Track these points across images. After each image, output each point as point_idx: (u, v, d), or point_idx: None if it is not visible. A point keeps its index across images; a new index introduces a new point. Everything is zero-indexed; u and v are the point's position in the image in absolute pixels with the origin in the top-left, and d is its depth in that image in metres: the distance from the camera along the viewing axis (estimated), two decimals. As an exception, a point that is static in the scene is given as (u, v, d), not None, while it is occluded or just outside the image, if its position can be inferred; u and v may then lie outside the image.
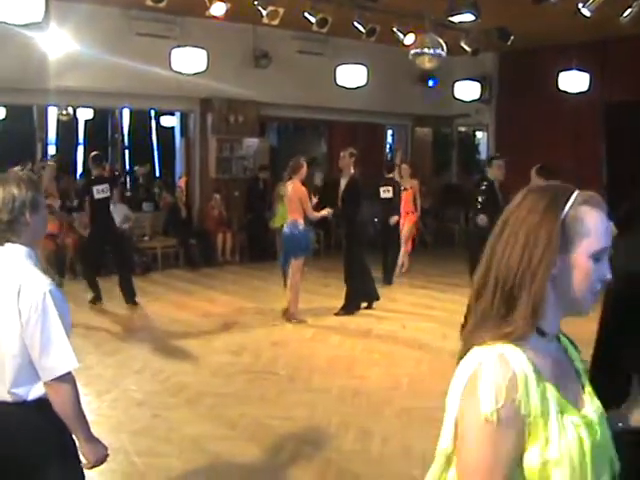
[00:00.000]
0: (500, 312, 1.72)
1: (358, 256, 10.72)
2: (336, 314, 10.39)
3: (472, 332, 1.78)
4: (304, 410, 6.56)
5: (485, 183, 9.71)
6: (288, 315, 9.97)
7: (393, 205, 12.81)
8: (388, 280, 12.84)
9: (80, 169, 20.80)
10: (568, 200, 1.72)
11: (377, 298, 10.88)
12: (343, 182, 10.66)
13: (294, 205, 9.88)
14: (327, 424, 6.24)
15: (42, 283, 2.85)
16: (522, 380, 1.61)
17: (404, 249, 13.63)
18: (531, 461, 1.64)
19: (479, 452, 1.62)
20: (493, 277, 1.75)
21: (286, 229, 9.96)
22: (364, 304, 10.82)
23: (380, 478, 5.13)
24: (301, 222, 9.87)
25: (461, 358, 1.78)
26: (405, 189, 13.36)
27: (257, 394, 7.04)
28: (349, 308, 10.56)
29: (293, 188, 9.89)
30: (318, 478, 5.15)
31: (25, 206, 2.89)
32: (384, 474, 5.20)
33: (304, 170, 10.03)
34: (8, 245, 2.92)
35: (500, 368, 1.62)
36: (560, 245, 1.69)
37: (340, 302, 10.88)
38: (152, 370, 7.78)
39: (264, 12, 11.61)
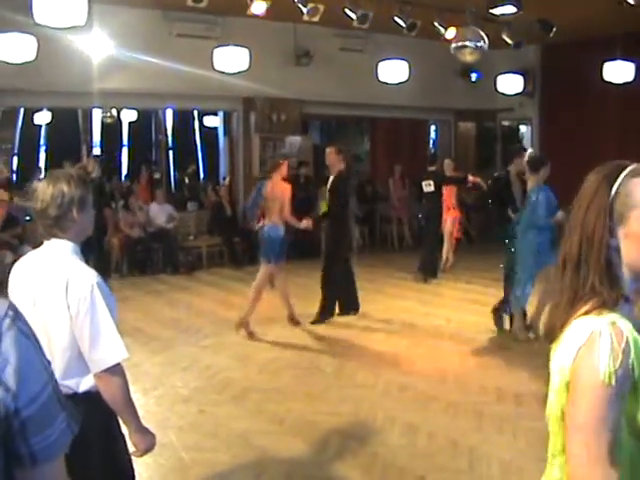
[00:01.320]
0: (584, 284, 1.82)
1: (340, 260, 10.09)
2: (312, 322, 9.80)
3: (564, 306, 1.86)
4: (350, 405, 6.57)
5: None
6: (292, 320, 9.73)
7: (437, 198, 12.79)
8: (424, 274, 12.79)
9: (125, 171, 21.01)
10: (620, 175, 1.84)
11: (356, 309, 10.17)
12: (330, 179, 10.15)
13: (276, 205, 9.23)
14: (373, 419, 6.24)
15: (89, 276, 2.90)
16: (634, 345, 1.71)
17: (448, 244, 13.59)
18: None
19: (592, 412, 1.71)
20: (570, 251, 1.86)
21: (266, 230, 9.35)
22: (337, 311, 10.13)
23: (426, 472, 5.11)
24: (281, 226, 9.31)
25: (551, 333, 1.93)
26: (447, 183, 13.28)
27: (303, 390, 7.06)
28: (323, 315, 9.94)
29: (277, 187, 9.28)
30: (364, 473, 5.15)
31: (73, 203, 2.94)
32: (430, 468, 5.19)
33: (284, 167, 9.43)
34: (54, 240, 2.98)
35: (615, 335, 1.70)
36: (616, 217, 1.80)
37: (384, 297, 10.87)
38: (199, 367, 7.84)
39: (304, 10, 11.61)
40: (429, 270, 12.83)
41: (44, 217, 2.94)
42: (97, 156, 12.02)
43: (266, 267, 9.44)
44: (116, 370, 2.92)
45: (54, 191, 2.92)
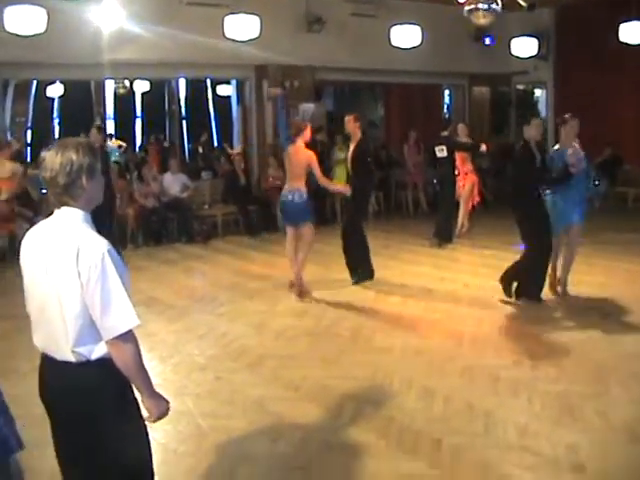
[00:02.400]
0: None
1: (361, 225, 10.16)
2: (354, 283, 9.98)
3: None
4: (366, 370, 6.57)
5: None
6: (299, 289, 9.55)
7: (450, 163, 12.71)
8: (439, 240, 12.77)
9: (139, 141, 21.02)
10: None
11: (371, 276, 10.16)
12: (351, 147, 10.15)
13: (298, 170, 9.23)
14: (389, 383, 6.25)
15: (100, 244, 2.90)
16: None
17: (464, 209, 13.53)
18: None
19: None
20: None
21: (289, 196, 9.30)
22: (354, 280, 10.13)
23: (442, 436, 5.11)
24: (304, 191, 9.26)
25: None
26: (459, 149, 13.15)
27: (319, 355, 7.07)
28: (362, 276, 10.09)
29: (299, 151, 9.26)
30: (380, 436, 5.16)
31: (82, 170, 2.94)
32: (446, 432, 5.19)
33: (308, 132, 9.39)
34: (65, 209, 2.98)
35: None
36: None
37: (399, 262, 10.88)
38: (215, 335, 7.87)
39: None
40: (444, 235, 12.80)
41: (54, 185, 2.95)
42: (99, 126, 12.00)
43: (308, 227, 9.43)
44: (128, 337, 2.93)
45: (63, 159, 2.92)
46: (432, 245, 12.64)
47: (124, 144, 18.94)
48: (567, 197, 8.56)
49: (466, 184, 13.38)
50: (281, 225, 10.09)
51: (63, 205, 2.98)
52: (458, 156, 13.03)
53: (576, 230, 8.75)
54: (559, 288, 8.96)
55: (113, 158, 16.27)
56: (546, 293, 8.78)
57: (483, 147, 12.95)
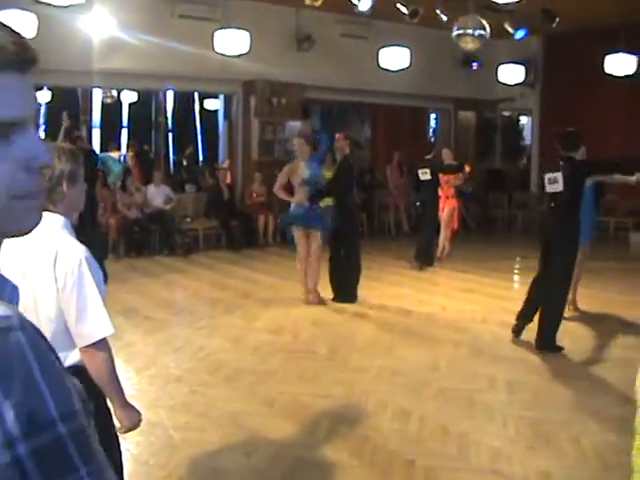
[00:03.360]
0: None
1: (355, 243, 10.32)
2: (337, 301, 10.05)
3: None
4: (342, 389, 6.56)
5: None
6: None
7: (434, 186, 12.77)
8: (420, 262, 12.75)
9: (124, 151, 20.97)
10: None
11: (354, 300, 10.14)
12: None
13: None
14: (365, 403, 6.24)
15: (77, 250, 2.88)
16: None
17: (444, 233, 13.55)
18: None
19: None
20: None
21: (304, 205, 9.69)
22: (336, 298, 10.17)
23: (416, 457, 5.11)
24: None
25: None
26: (443, 171, 13.19)
27: (295, 372, 7.06)
28: (348, 296, 10.13)
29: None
30: (354, 455, 5.15)
31: (63, 177, 2.92)
32: (420, 453, 5.19)
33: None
34: (45, 213, 2.96)
35: None
36: None
37: (380, 283, 10.92)
38: (192, 348, 7.84)
39: (307, -6, 11.59)
40: (425, 258, 12.81)
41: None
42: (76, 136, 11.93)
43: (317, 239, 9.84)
44: (102, 345, 2.91)
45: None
46: (413, 267, 12.66)
47: (119, 153, 19.01)
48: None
49: (446, 208, 13.39)
50: (290, 240, 10.11)
51: (43, 210, 2.96)
52: (443, 180, 13.07)
53: (586, 250, 8.79)
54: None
55: (117, 168, 16.27)
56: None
57: (466, 169, 13.03)
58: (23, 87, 1.03)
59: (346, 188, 10.16)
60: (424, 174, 12.62)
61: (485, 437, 5.47)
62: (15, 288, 1.08)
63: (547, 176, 7.98)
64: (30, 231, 1.09)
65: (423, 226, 13.13)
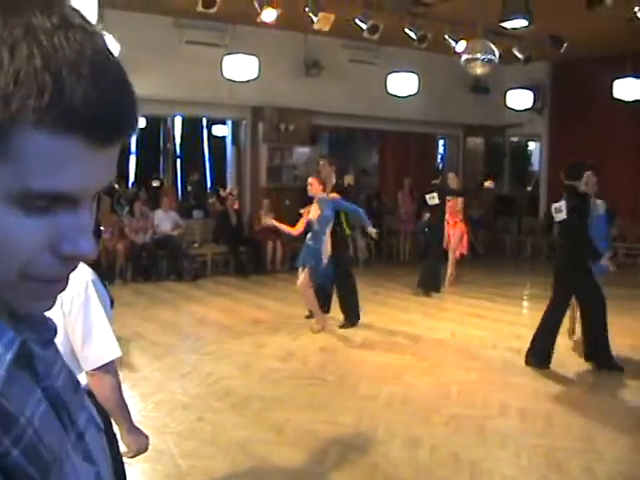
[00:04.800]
0: None
1: (348, 269, 10.32)
2: (342, 327, 10.01)
3: None
4: (351, 416, 6.48)
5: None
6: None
7: (441, 211, 12.73)
8: (425, 289, 12.71)
9: (132, 178, 21.01)
10: None
11: (357, 322, 10.15)
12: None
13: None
14: (374, 431, 6.15)
15: (84, 273, 2.83)
16: None
17: (452, 258, 13.50)
18: None
19: None
20: None
21: (309, 240, 9.58)
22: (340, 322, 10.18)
23: (427, 485, 5.03)
24: (319, 239, 9.47)
25: None
26: (451, 194, 13.16)
27: (304, 400, 6.98)
28: (352, 318, 10.13)
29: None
30: (364, 484, 5.07)
31: None
32: (431, 481, 5.11)
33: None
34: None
35: None
36: None
37: (389, 309, 10.84)
38: (199, 374, 7.76)
39: (315, 18, 11.59)
40: (432, 284, 12.74)
41: None
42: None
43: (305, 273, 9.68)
44: (109, 368, 2.85)
45: None
46: (417, 294, 12.56)
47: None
48: None
49: (455, 234, 13.36)
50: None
51: None
52: (448, 205, 13.01)
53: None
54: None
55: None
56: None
57: (487, 183, 12.96)
58: (89, 158, 0.79)
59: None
60: (432, 199, 12.56)
61: (497, 465, 5.38)
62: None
63: (554, 206, 8.09)
64: (33, 313, 0.93)
65: (430, 252, 13.05)
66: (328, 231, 9.39)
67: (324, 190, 9.49)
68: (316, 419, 6.39)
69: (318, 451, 5.68)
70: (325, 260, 9.36)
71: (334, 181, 10.10)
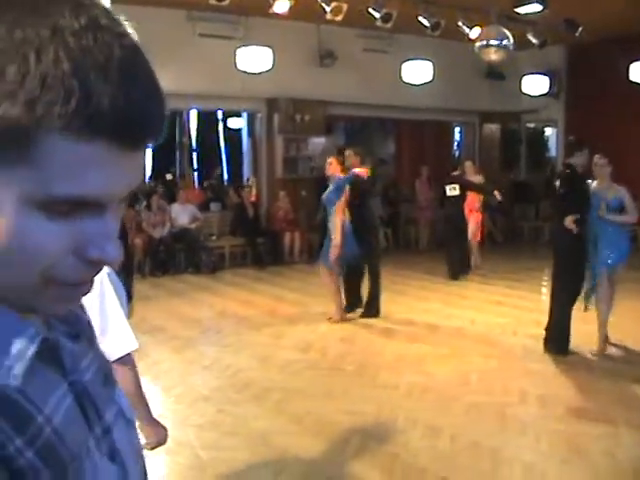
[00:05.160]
0: None
1: (375, 256, 10.32)
2: (361, 316, 10.05)
3: None
4: (371, 406, 6.48)
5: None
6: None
7: (460, 201, 12.80)
8: (454, 273, 12.90)
9: (149, 172, 21.06)
10: None
11: (377, 314, 10.09)
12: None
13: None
14: (394, 420, 6.15)
15: (100, 268, 2.84)
16: None
17: (475, 245, 13.63)
18: None
19: None
20: None
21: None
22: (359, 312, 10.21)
23: (448, 474, 5.02)
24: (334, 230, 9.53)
25: None
26: (471, 189, 13.27)
27: (324, 390, 6.99)
28: (371, 310, 10.11)
29: None
30: (384, 473, 5.07)
31: None
32: (452, 470, 5.10)
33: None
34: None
35: None
36: None
37: (407, 298, 10.86)
38: (219, 366, 7.79)
39: (327, 8, 11.57)
40: (460, 268, 13.00)
41: None
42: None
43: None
44: (127, 361, 2.86)
45: None
46: (448, 279, 12.86)
47: None
48: (604, 234, 7.90)
49: (471, 222, 13.43)
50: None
51: None
52: (470, 194, 13.10)
53: (612, 276, 8.05)
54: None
55: None
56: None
57: (497, 197, 13.04)
58: (114, 163, 0.78)
59: (363, 203, 10.05)
60: (452, 189, 12.60)
61: (518, 452, 5.37)
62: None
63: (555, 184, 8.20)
64: (53, 315, 0.92)
65: (452, 240, 13.07)
66: (335, 211, 9.44)
67: (342, 171, 9.57)
68: (336, 409, 6.39)
69: (338, 441, 5.69)
70: (337, 240, 9.38)
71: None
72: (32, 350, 0.82)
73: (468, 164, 13.73)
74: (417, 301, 11.17)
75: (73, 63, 0.72)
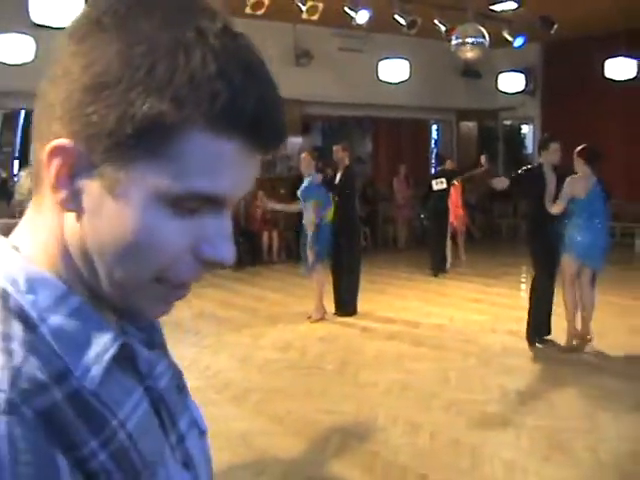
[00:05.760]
0: None
1: (357, 255, 10.34)
2: (338, 314, 10.00)
3: None
4: (351, 404, 6.48)
5: (527, 167, 8.87)
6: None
7: (445, 196, 12.99)
8: (435, 270, 13.12)
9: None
10: None
11: (354, 313, 10.08)
12: (338, 175, 10.33)
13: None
14: (374, 418, 6.15)
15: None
16: None
17: (460, 240, 13.98)
18: None
19: None
20: None
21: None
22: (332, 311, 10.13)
23: (428, 471, 5.02)
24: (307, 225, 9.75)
25: None
26: (453, 184, 13.38)
27: (304, 389, 6.97)
28: (348, 308, 10.09)
29: None
30: (365, 471, 5.07)
31: None
32: (432, 467, 5.10)
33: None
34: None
35: None
36: None
37: (386, 296, 10.86)
38: (198, 367, 7.74)
39: (303, 7, 11.56)
40: (440, 265, 13.19)
41: (22, 211, 2.88)
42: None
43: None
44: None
45: (32, 185, 2.85)
46: (428, 275, 13.07)
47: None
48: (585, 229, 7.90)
49: (453, 218, 13.61)
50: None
51: None
52: (453, 190, 13.29)
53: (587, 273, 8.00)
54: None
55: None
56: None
57: (482, 159, 13.11)
58: (244, 164, 0.81)
59: (348, 199, 10.10)
60: (439, 183, 12.77)
61: (498, 449, 5.38)
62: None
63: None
64: (147, 319, 0.93)
65: (435, 236, 13.20)
66: (309, 206, 9.58)
67: (317, 167, 9.88)
68: (316, 408, 6.38)
69: (319, 440, 5.68)
70: (309, 230, 9.53)
71: (347, 163, 10.21)
72: (110, 354, 0.82)
73: (449, 162, 13.97)
74: (396, 299, 11.17)
75: (219, 64, 0.75)
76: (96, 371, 0.79)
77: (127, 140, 0.75)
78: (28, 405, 0.71)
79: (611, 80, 14.38)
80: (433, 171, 17.44)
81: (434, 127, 20.82)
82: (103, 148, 0.76)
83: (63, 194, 0.80)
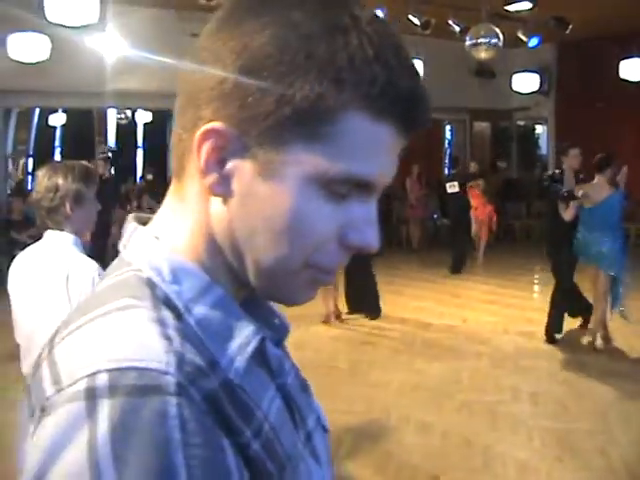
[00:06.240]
0: None
1: (370, 263, 9.96)
2: (369, 318, 9.86)
3: None
4: (363, 404, 6.49)
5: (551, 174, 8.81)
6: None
7: (462, 198, 13.07)
8: (453, 270, 13.26)
9: (140, 172, 21.04)
10: None
11: (377, 314, 9.90)
12: None
13: None
14: (387, 418, 6.16)
15: (90, 268, 2.83)
16: None
17: (484, 242, 14.44)
18: None
19: None
20: None
21: None
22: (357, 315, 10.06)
23: (440, 472, 5.03)
24: None
25: None
26: (471, 186, 13.47)
27: (316, 388, 6.83)
28: (375, 311, 9.95)
29: None
30: (378, 471, 5.08)
31: (67, 197, 2.88)
32: (444, 468, 5.11)
33: None
34: (54, 232, 2.93)
35: None
36: None
37: (399, 297, 10.86)
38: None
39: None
40: (458, 266, 13.34)
41: (39, 207, 2.92)
42: (107, 157, 12.02)
43: None
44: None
45: (48, 183, 2.88)
46: (446, 276, 13.16)
47: None
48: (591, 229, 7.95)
49: (482, 216, 13.85)
50: None
51: (49, 228, 2.93)
52: (471, 191, 13.37)
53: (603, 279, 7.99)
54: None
55: None
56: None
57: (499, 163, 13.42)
58: (393, 149, 0.84)
59: None
60: (452, 187, 12.83)
61: (510, 449, 5.38)
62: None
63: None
64: (293, 305, 0.93)
65: (455, 235, 13.36)
66: None
67: None
68: (328, 408, 6.28)
69: (332, 440, 5.65)
70: None
71: None
72: (252, 346, 0.84)
73: (473, 164, 14.38)
74: (409, 299, 11.16)
75: (376, 50, 0.77)
76: (240, 363, 0.81)
77: (285, 122, 0.77)
78: (195, 388, 0.72)
79: (626, 81, 14.33)
80: (447, 172, 17.48)
81: (448, 127, 20.80)
82: (258, 131, 0.78)
83: (213, 178, 0.81)
